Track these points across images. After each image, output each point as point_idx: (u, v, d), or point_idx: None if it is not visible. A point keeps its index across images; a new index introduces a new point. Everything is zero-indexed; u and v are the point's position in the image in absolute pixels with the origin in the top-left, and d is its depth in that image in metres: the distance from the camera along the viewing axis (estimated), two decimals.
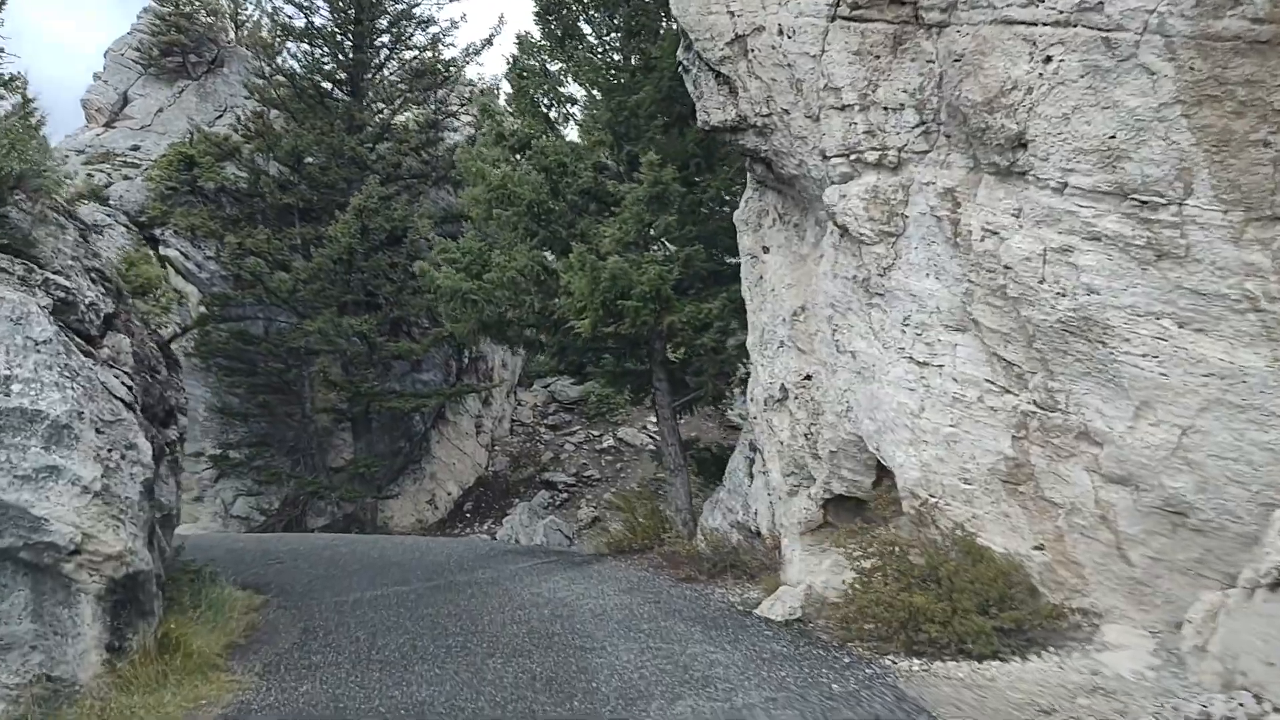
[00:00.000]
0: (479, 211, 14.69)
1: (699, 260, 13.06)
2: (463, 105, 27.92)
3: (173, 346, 22.28)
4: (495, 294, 13.60)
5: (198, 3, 29.60)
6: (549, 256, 14.17)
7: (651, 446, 27.68)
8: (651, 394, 15.45)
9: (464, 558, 14.03)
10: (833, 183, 8.28)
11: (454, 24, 39.75)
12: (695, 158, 13.73)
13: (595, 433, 28.91)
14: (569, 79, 15.58)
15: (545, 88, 15.62)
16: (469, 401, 27.00)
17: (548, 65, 15.65)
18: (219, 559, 11.78)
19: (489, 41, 36.04)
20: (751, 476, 12.07)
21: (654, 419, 30.33)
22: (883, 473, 8.54)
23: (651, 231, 13.73)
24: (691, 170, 13.68)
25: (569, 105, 16.04)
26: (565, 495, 25.53)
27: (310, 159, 23.14)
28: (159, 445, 8.54)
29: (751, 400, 11.34)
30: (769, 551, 10.72)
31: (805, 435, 9.58)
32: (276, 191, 22.99)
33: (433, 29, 25.76)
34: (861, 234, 7.94)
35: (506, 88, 19.82)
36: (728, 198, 13.85)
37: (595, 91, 15.20)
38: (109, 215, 23.18)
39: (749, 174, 10.71)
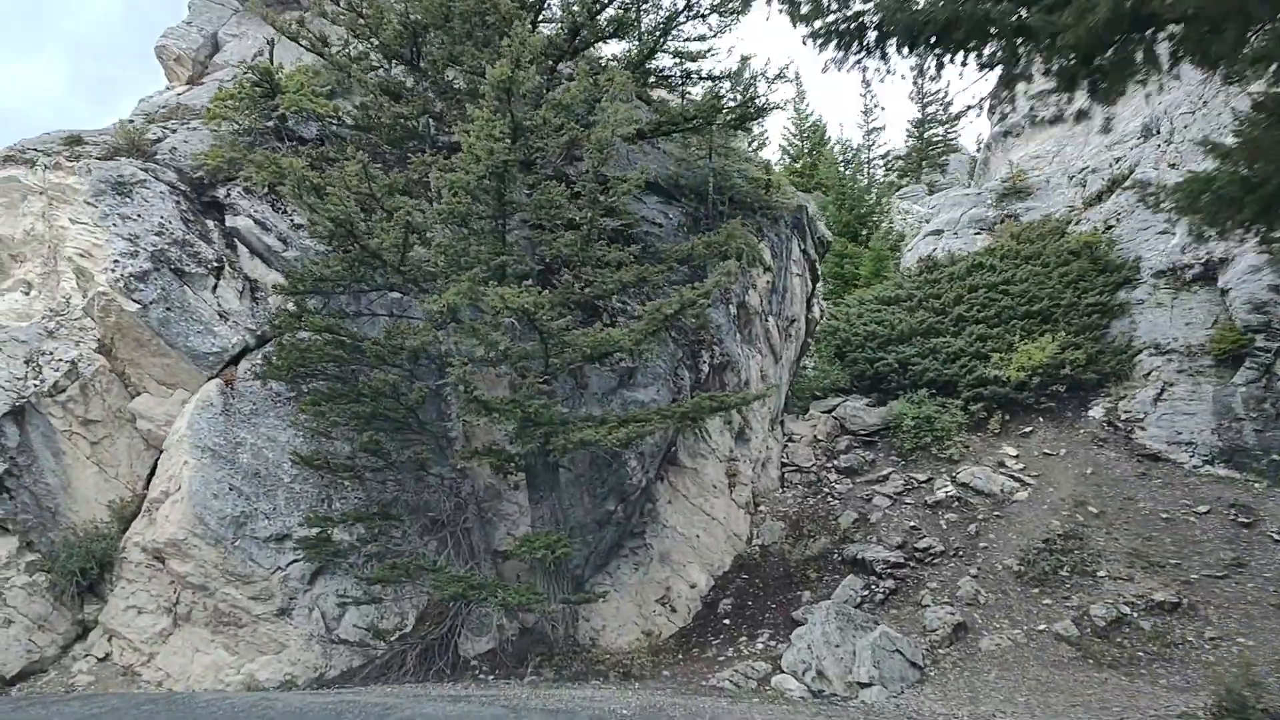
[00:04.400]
0: None
1: None
2: None
3: (241, 368, 14.78)
4: None
5: None
6: None
7: (1022, 493, 17.77)
8: None
9: None
10: None
11: None
12: None
13: (919, 477, 19.27)
14: None
15: None
16: (715, 436, 18.12)
17: None
18: None
19: None
20: None
21: (1014, 450, 20.32)
22: None
23: None
24: None
25: None
26: (890, 584, 15.99)
27: (433, 39, 15.25)
28: None
29: None
30: None
31: None
32: (385, 106, 15.27)
33: None
34: None
35: None
36: None
37: None
38: (149, 172, 16.13)
39: None
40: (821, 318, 25.10)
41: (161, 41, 21.90)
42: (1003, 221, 31.65)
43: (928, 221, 38.02)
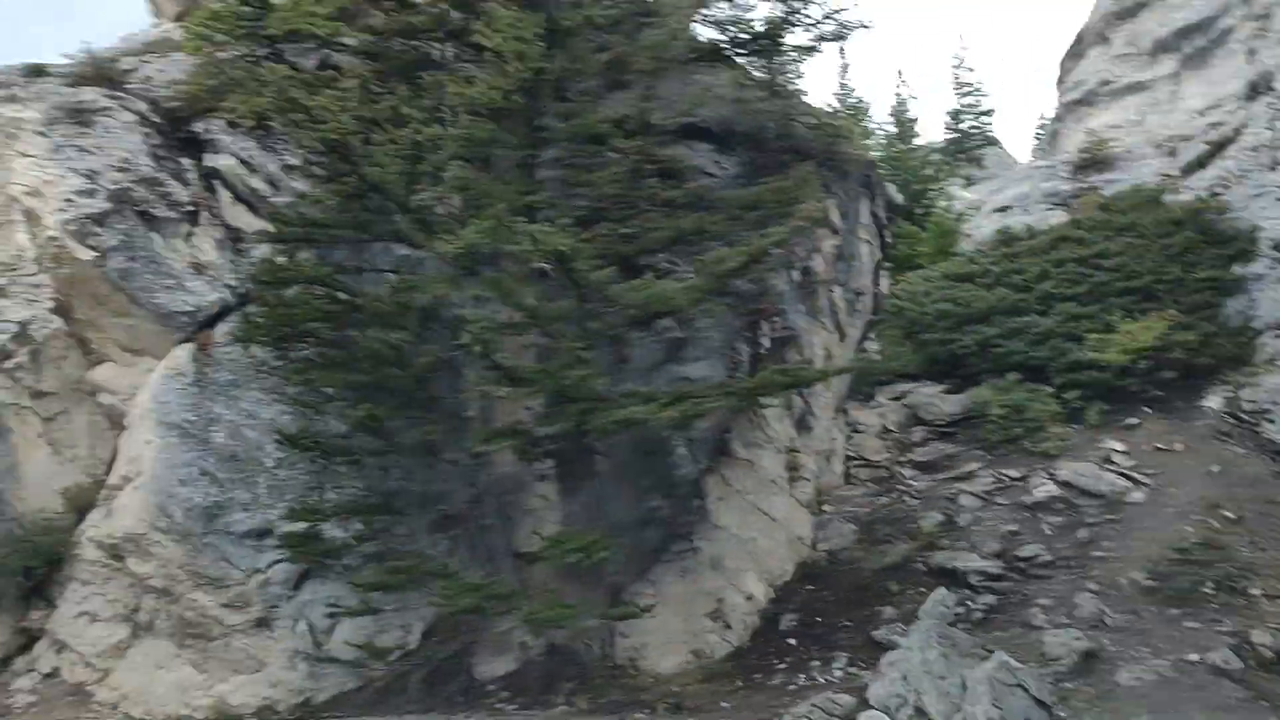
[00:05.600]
0: None
1: None
2: None
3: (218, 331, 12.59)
4: None
5: None
6: None
7: (1139, 494, 15.40)
8: None
9: None
10: None
11: None
12: None
13: (1011, 474, 16.89)
14: None
15: None
16: (774, 424, 15.83)
17: None
18: None
19: None
20: None
21: (1120, 444, 17.86)
22: None
23: None
24: None
25: None
26: (990, 599, 13.66)
27: None
28: None
29: None
30: None
31: None
32: (395, 16, 13.07)
33: None
34: None
35: None
36: None
37: None
38: (115, 100, 13.97)
39: None
40: (891, 291, 22.73)
41: None
42: (1080, 195, 29.21)
43: (980, 205, 35.71)
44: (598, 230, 12.95)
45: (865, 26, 14.92)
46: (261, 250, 13.44)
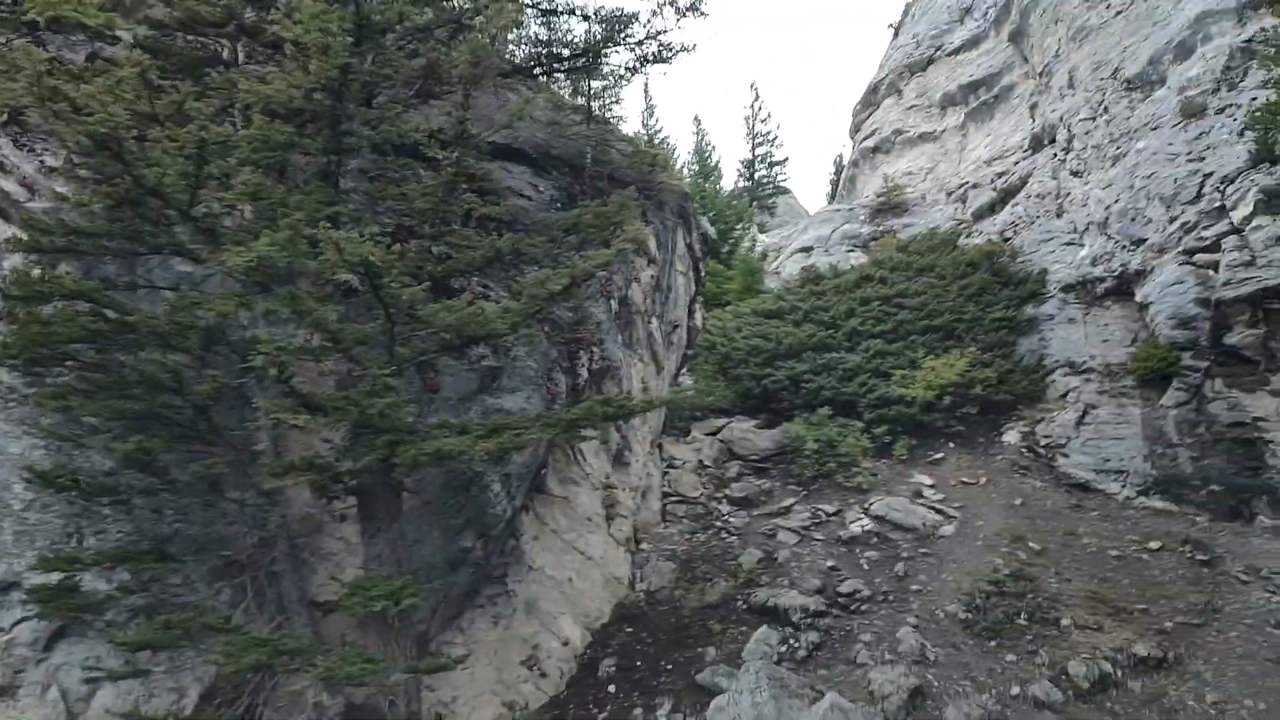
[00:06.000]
0: None
1: None
2: None
3: None
4: None
5: None
6: None
7: (948, 527, 15.63)
8: None
9: None
10: None
11: None
12: None
13: (826, 509, 16.89)
14: None
15: None
16: (590, 459, 15.25)
17: None
18: None
19: None
20: None
21: (928, 478, 18.12)
22: None
23: None
24: None
25: None
26: (814, 636, 13.39)
27: None
28: None
29: None
30: None
31: None
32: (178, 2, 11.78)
33: None
34: None
35: None
36: None
37: None
38: None
39: None
40: (704, 326, 22.57)
41: None
42: (878, 238, 30.24)
43: (780, 248, 36.50)
44: (408, 248, 12.02)
45: (687, 50, 14.66)
46: (13, 261, 11.73)
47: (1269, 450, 16.59)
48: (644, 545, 16.11)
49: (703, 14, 13.67)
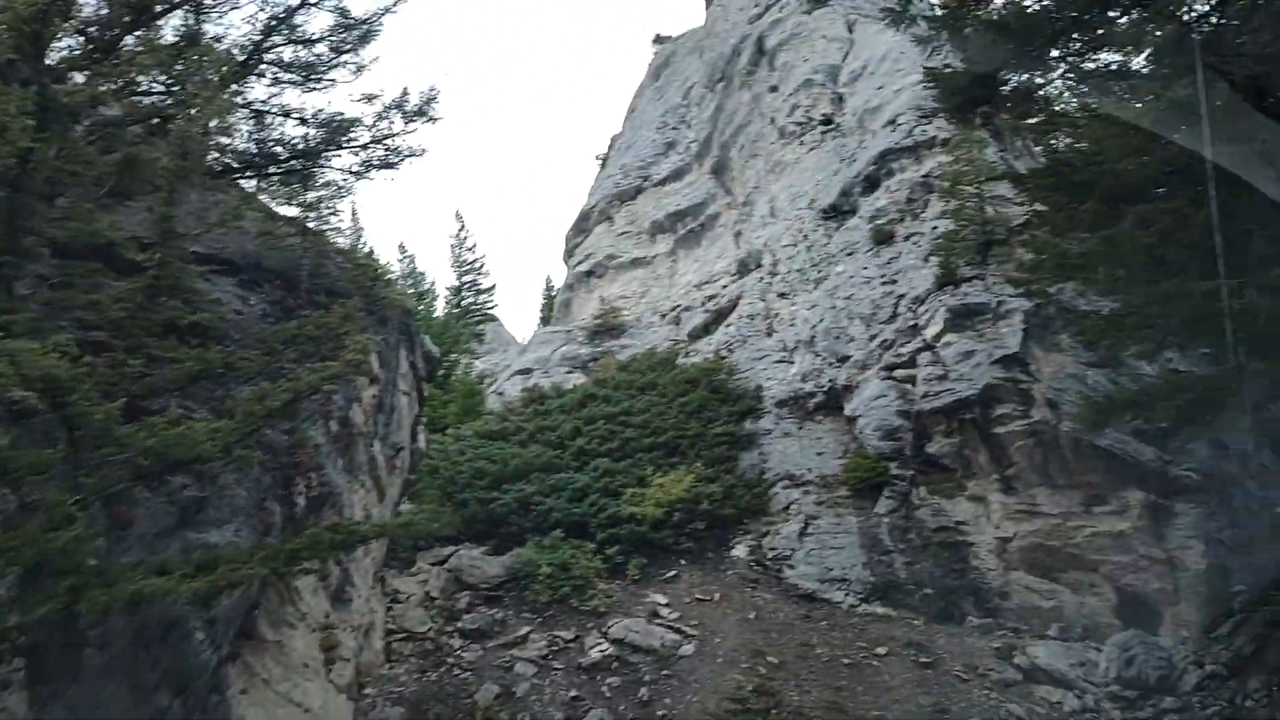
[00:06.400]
0: None
1: None
2: None
3: None
4: None
5: None
6: None
7: (688, 646, 15.49)
8: None
9: None
10: None
11: None
12: None
13: (564, 635, 16.33)
14: None
15: None
16: (307, 597, 13.94)
17: None
18: None
19: None
20: None
21: (663, 597, 17.89)
22: None
23: None
24: None
25: None
26: None
27: None
28: None
29: None
30: None
31: None
32: None
33: None
34: None
35: None
36: None
37: None
38: None
39: None
40: (427, 449, 21.61)
41: None
42: (598, 359, 30.63)
43: (493, 374, 36.39)
44: (97, 362, 10.60)
45: (416, 155, 14.23)
46: None
47: (971, 552, 17.75)
48: (368, 690, 14.75)
49: (433, 119, 13.40)
